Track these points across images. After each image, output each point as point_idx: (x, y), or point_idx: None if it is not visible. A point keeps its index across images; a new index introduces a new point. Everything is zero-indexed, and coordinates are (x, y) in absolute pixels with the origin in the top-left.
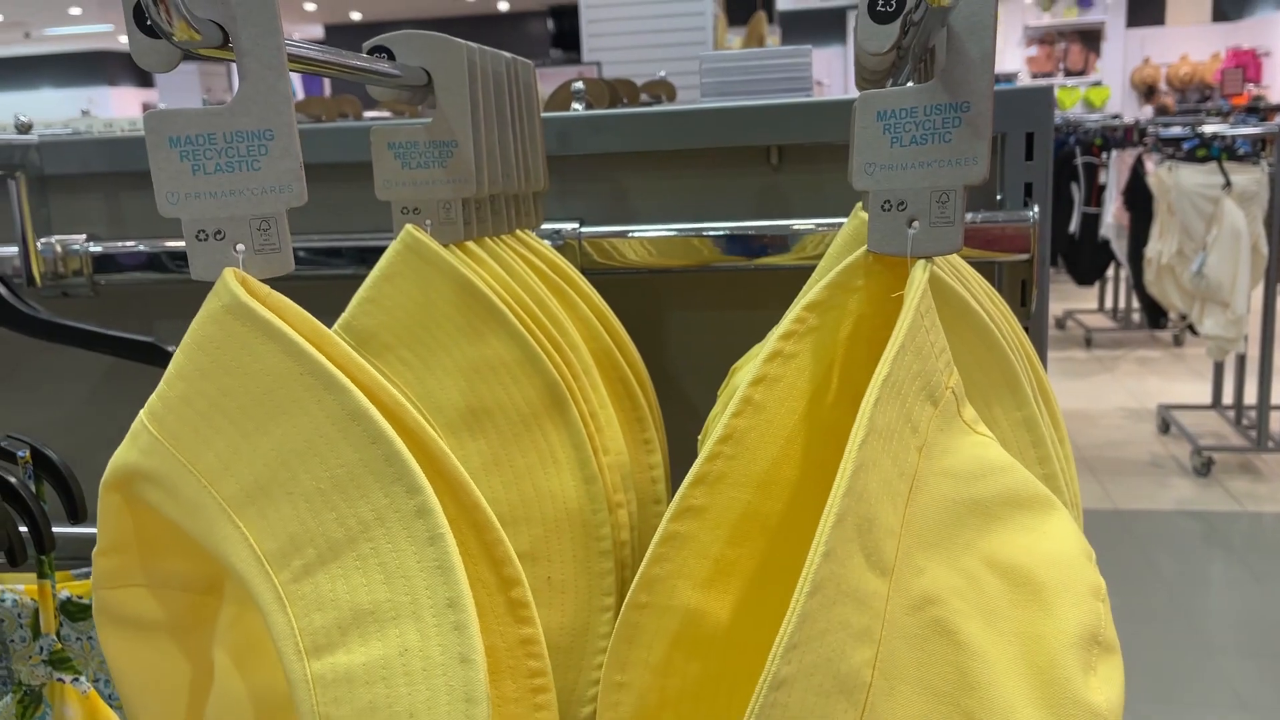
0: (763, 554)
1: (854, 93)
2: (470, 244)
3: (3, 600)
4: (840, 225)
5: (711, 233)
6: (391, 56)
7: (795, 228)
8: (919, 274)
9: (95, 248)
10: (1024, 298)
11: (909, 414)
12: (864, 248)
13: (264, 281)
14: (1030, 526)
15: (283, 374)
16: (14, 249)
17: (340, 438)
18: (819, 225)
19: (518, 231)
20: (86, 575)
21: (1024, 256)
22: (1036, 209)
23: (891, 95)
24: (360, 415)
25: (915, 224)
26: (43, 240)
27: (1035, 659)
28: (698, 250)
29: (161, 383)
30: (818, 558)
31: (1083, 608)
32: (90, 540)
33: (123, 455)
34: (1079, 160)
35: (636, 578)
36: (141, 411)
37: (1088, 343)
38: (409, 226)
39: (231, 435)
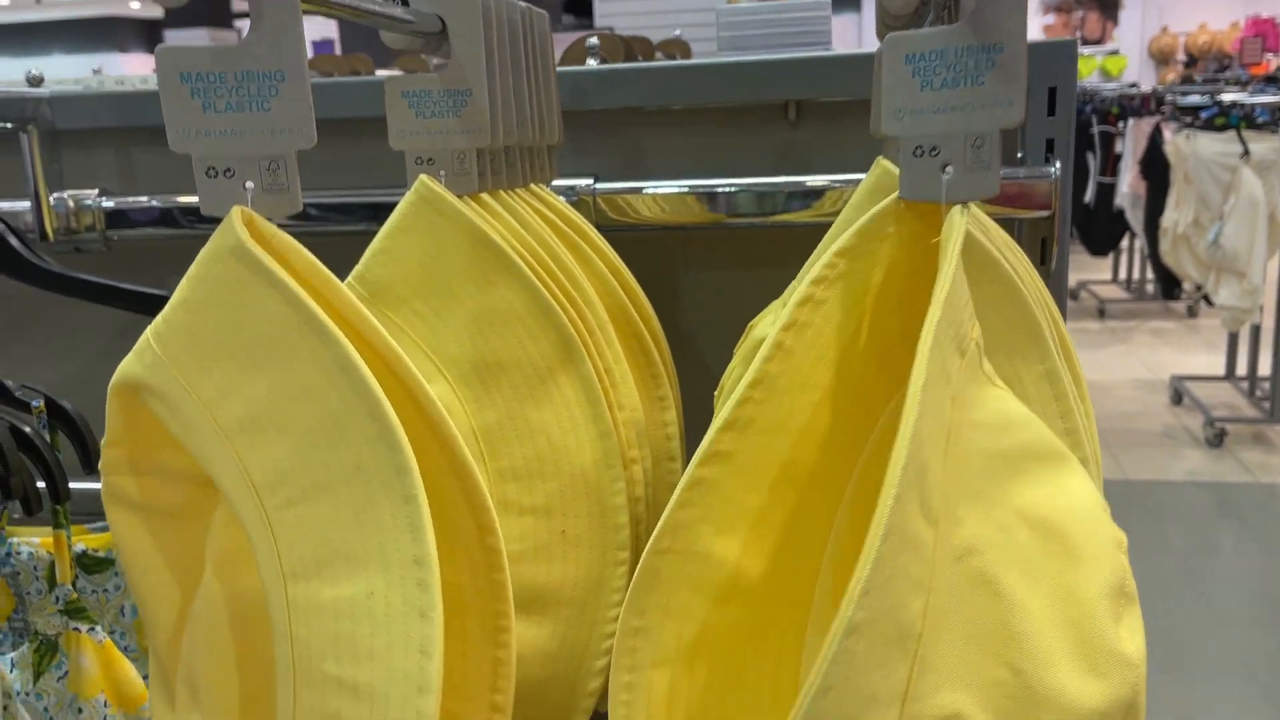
0: (787, 501)
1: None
2: (484, 196)
3: (19, 553)
4: (859, 181)
5: (727, 189)
6: (405, 2)
7: (812, 184)
8: (957, 219)
9: (108, 203)
10: (1044, 255)
11: (944, 363)
12: (895, 194)
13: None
14: (1050, 480)
15: (280, 320)
16: (26, 204)
17: (330, 388)
18: (836, 181)
19: (532, 186)
20: (102, 529)
21: (1045, 213)
22: (1058, 165)
23: (920, 37)
24: (349, 369)
25: (949, 169)
26: (55, 195)
27: (1069, 610)
28: (713, 207)
29: (167, 307)
30: (890, 501)
31: (1108, 559)
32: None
33: (129, 366)
34: (1095, 129)
35: (660, 523)
36: (148, 329)
37: (1101, 314)
38: (423, 177)
39: (230, 368)
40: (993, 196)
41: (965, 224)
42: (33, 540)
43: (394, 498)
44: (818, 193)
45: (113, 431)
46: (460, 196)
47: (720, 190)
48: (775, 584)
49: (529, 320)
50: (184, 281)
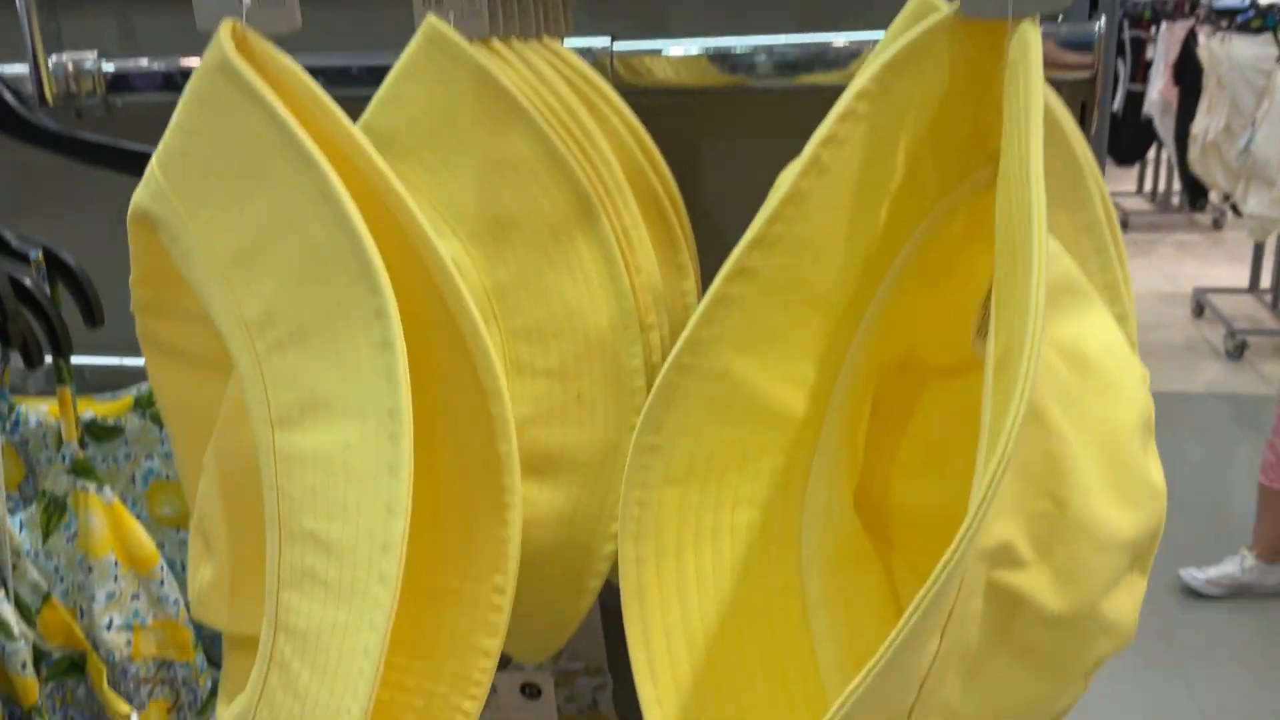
0: (810, 324)
1: None
2: (495, 42)
3: (28, 421)
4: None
5: (750, 50)
6: None
7: (841, 44)
8: (1030, 31)
9: (108, 66)
10: (1083, 120)
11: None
12: (949, 9)
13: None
14: (1081, 314)
15: (265, 143)
16: (24, 67)
17: (314, 219)
18: (866, 41)
19: (545, 39)
20: (110, 397)
21: (1086, 74)
22: (1104, 19)
23: None
24: (332, 199)
25: None
26: (53, 57)
27: (1105, 442)
28: (735, 69)
29: (167, 131)
30: (1039, 319)
31: (1138, 393)
32: (115, 371)
33: (138, 196)
34: (1126, 34)
35: (681, 339)
36: (153, 156)
37: (1125, 225)
38: (430, 17)
39: (222, 197)
40: (1065, 8)
41: (1039, 36)
42: (41, 408)
43: (373, 344)
44: (848, 54)
45: (136, 269)
46: (470, 40)
47: (743, 51)
48: (791, 406)
49: (542, 174)
50: (179, 103)
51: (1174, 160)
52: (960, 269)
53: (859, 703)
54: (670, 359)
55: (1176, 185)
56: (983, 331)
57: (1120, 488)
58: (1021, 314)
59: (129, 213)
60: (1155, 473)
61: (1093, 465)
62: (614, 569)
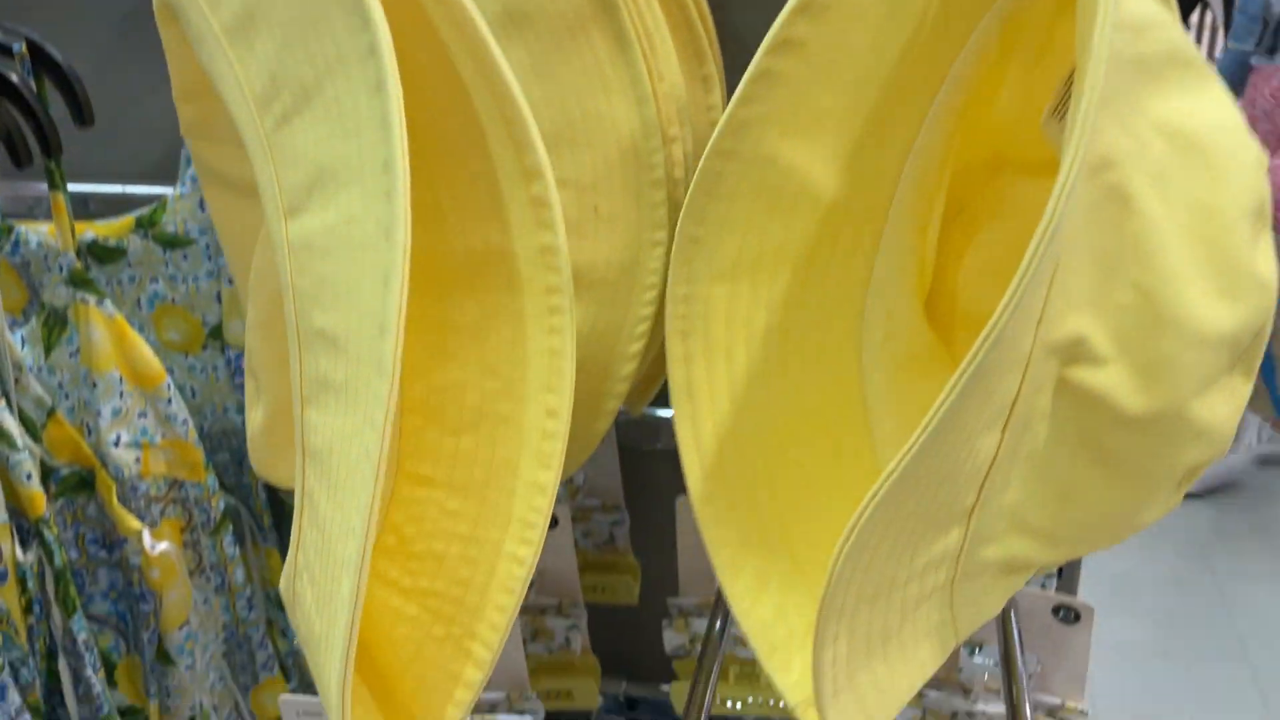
0: (866, 103)
1: None
2: None
3: (28, 242)
4: None
5: None
6: None
7: None
8: None
9: None
10: None
11: None
12: None
13: None
14: (1191, 89)
15: None
16: None
17: None
18: None
19: None
20: (111, 220)
21: None
22: None
23: None
24: None
25: None
26: None
27: (1205, 228)
28: None
29: None
30: (1083, 137)
31: (1250, 178)
32: (119, 199)
33: None
34: None
35: (721, 121)
36: None
37: None
38: None
39: None
40: None
41: None
42: (41, 230)
43: (369, 88)
44: None
45: (177, 79)
46: None
47: None
48: (846, 197)
49: None
50: None
51: (1219, 21)
52: (1054, 51)
53: (899, 483)
54: (710, 144)
55: (1218, 52)
56: (1059, 112)
57: (1219, 277)
58: (1084, 64)
59: (155, 8)
60: (1264, 263)
61: (1187, 252)
62: (630, 397)
